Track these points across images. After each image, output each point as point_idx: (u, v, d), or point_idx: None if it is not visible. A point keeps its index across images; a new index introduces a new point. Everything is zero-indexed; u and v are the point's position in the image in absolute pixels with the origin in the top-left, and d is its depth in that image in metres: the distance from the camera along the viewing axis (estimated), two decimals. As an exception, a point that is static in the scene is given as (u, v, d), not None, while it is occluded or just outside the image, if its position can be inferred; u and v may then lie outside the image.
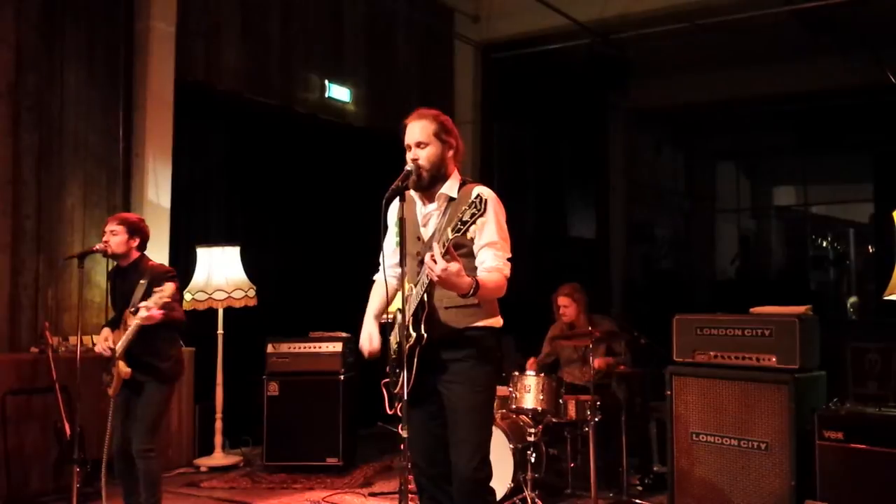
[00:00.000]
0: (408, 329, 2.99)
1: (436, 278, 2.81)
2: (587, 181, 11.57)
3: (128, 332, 4.09)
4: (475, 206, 2.72)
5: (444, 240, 2.82)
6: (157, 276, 4.17)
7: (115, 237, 4.24)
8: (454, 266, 2.81)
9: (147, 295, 4.07)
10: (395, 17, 8.54)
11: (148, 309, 3.97)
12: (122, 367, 4.12)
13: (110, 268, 4.38)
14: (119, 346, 4.12)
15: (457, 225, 2.75)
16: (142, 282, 4.16)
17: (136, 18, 6.14)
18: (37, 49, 5.59)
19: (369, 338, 3.31)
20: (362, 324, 3.37)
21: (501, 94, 9.45)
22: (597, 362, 5.27)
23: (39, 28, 5.61)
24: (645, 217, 12.58)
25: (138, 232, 4.31)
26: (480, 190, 2.99)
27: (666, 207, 13.61)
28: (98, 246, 4.28)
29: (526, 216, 10.19)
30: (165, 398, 4.30)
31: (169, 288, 4.00)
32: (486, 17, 8.97)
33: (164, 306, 4.02)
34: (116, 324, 4.25)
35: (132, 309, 4.10)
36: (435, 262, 2.79)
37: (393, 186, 2.99)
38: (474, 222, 2.73)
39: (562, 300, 5.65)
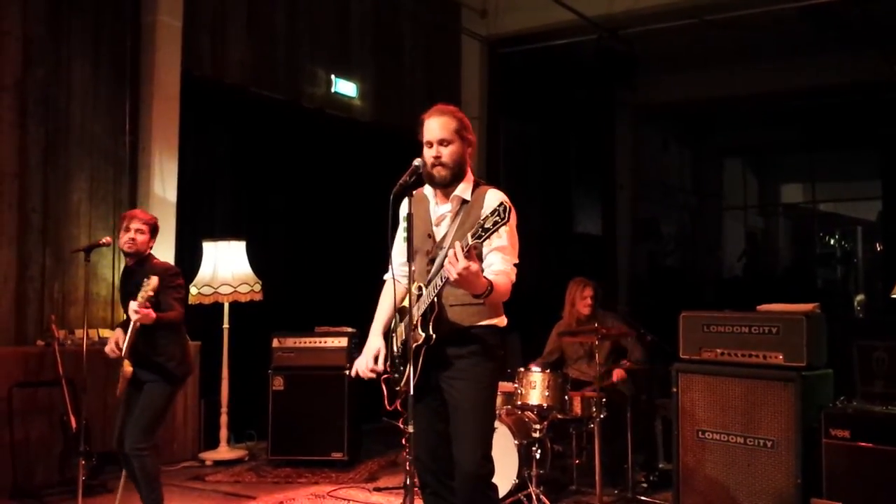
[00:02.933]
0: (416, 329, 2.99)
1: (455, 276, 2.76)
2: (594, 177, 11.54)
3: (129, 331, 4.06)
4: (499, 215, 2.69)
5: (465, 244, 2.78)
6: (162, 276, 4.11)
7: (142, 236, 4.25)
8: (475, 266, 2.78)
9: (156, 294, 4.06)
10: (401, 11, 8.52)
11: (135, 311, 3.92)
12: (126, 367, 4.11)
13: (121, 264, 4.35)
14: (125, 347, 4.11)
15: (478, 231, 2.73)
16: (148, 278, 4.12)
17: (142, 12, 6.15)
18: (44, 43, 5.59)
19: (374, 356, 3.19)
20: (368, 320, 3.32)
21: (508, 90, 9.42)
22: (616, 375, 5.30)
23: (46, 22, 5.61)
24: (651, 213, 12.53)
25: (156, 232, 4.35)
26: (500, 196, 3.01)
27: (672, 204, 13.55)
28: (106, 239, 4.27)
29: (532, 212, 10.15)
30: (167, 399, 4.22)
31: (153, 281, 3.95)
32: (494, 11, 8.94)
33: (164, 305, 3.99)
34: (127, 325, 4.21)
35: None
36: (457, 259, 2.75)
37: (401, 182, 2.95)
38: (496, 230, 2.72)
39: (589, 291, 5.63)
